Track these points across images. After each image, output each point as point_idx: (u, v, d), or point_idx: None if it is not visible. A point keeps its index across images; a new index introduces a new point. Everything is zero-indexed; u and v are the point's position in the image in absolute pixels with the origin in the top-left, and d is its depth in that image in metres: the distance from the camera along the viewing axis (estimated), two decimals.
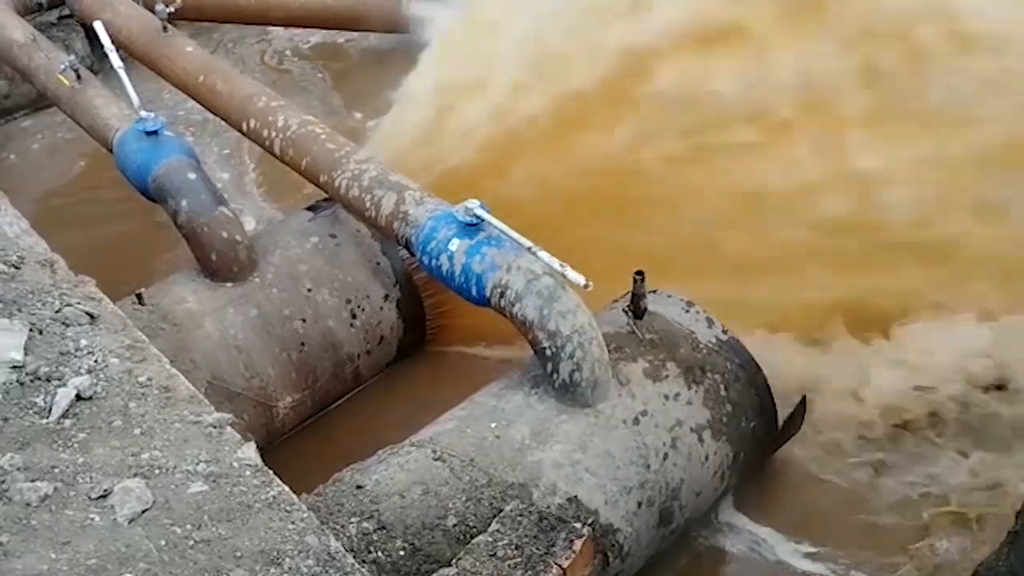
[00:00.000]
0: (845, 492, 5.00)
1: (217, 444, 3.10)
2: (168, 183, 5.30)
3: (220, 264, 5.30)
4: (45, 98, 8.09)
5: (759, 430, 4.71)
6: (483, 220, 4.41)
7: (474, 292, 4.46)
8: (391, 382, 5.88)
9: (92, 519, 2.66)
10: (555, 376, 4.30)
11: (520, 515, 3.57)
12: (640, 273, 4.52)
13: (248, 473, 3.01)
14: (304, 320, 5.42)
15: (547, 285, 4.29)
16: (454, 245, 4.47)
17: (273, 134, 5.34)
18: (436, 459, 4.14)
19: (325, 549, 2.77)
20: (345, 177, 4.98)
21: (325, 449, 5.34)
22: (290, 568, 2.66)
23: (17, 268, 3.63)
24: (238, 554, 2.68)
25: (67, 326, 3.42)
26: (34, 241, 3.99)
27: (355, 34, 8.94)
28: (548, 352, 4.28)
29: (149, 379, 3.26)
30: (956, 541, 4.76)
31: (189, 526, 2.72)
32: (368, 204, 4.87)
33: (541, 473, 4.12)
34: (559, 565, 3.36)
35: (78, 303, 3.56)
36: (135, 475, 2.84)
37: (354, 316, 5.59)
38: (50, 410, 2.96)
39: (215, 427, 3.18)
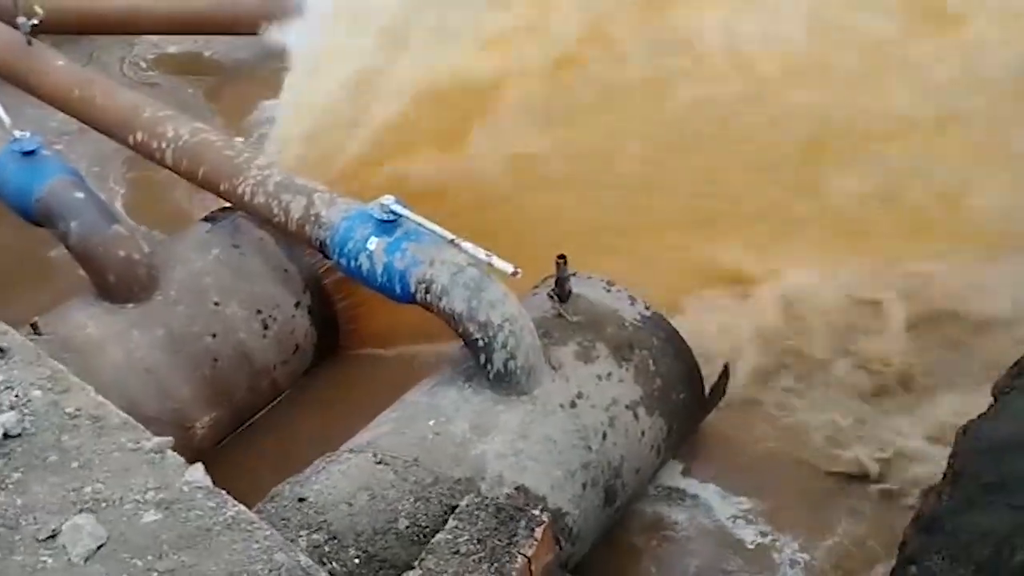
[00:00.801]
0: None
1: (161, 469, 2.94)
2: (55, 204, 4.99)
3: (119, 285, 5.04)
4: None
5: (689, 401, 4.80)
6: (400, 216, 4.33)
7: (398, 290, 4.37)
8: (309, 389, 5.73)
9: (45, 562, 2.48)
10: (489, 367, 4.27)
11: (477, 509, 3.52)
12: (562, 257, 4.53)
13: (200, 496, 2.87)
14: (214, 335, 5.21)
15: (473, 276, 4.25)
16: (372, 244, 4.37)
17: (164, 145, 5.10)
18: (378, 463, 4.04)
19: (296, 565, 2.67)
20: (248, 184, 4.81)
21: (250, 464, 5.15)
22: None
23: None
24: None
25: None
26: None
27: (220, 46, 8.68)
28: (480, 343, 4.24)
29: (78, 409, 3.07)
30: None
31: (150, 557, 2.57)
32: (276, 209, 4.71)
33: (486, 465, 4.09)
34: (523, 555, 3.33)
35: None
36: (81, 511, 2.66)
37: (266, 327, 5.41)
38: None
39: (156, 452, 3.01)
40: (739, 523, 4.90)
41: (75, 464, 2.83)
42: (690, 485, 5.03)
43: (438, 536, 3.45)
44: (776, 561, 4.73)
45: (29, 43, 5.78)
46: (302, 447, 5.25)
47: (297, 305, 5.54)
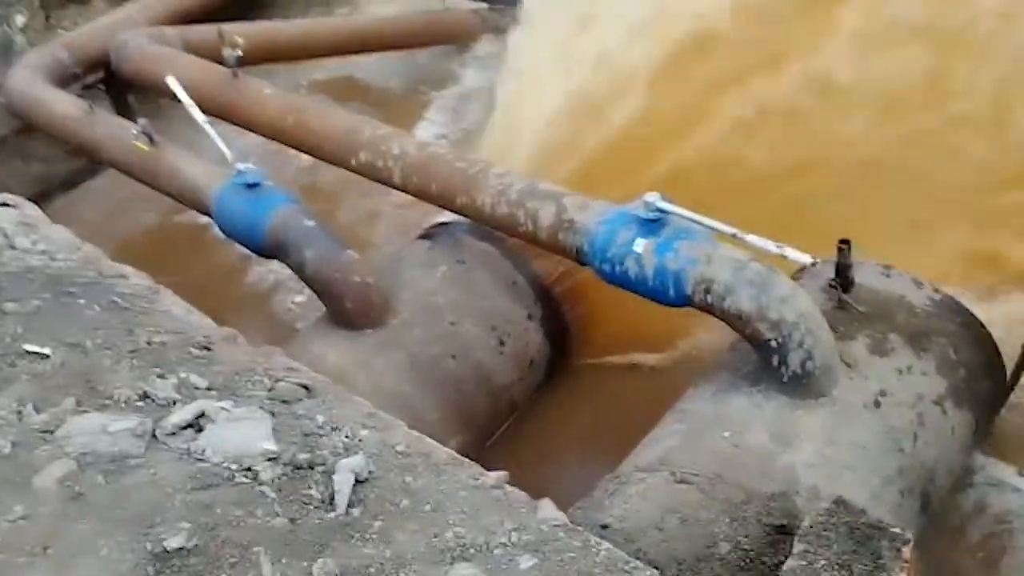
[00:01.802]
0: None
1: (510, 507, 2.67)
2: (286, 234, 4.86)
3: (356, 311, 4.87)
4: (84, 174, 7.82)
5: (992, 390, 4.32)
6: (667, 213, 4.00)
7: (672, 293, 4.04)
8: (545, 405, 5.46)
9: None
10: (783, 369, 3.89)
11: (825, 529, 3.14)
12: (846, 242, 4.11)
13: (563, 535, 2.59)
14: (454, 357, 4.99)
15: (758, 271, 3.88)
16: (640, 246, 4.05)
17: (391, 163, 4.91)
18: (678, 482, 3.72)
19: None
20: (488, 195, 4.56)
21: None
22: None
23: (209, 349, 3.18)
24: None
25: (288, 403, 2.99)
26: (199, 318, 3.55)
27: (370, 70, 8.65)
28: (774, 344, 3.86)
29: (407, 447, 2.84)
30: None
31: None
32: (522, 219, 4.45)
33: (797, 477, 3.71)
34: None
35: (287, 377, 3.13)
36: (454, 559, 2.41)
37: (502, 343, 5.17)
38: (332, 500, 2.52)
39: (497, 488, 2.75)
40: None
41: (427, 507, 2.59)
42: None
43: (789, 564, 3.07)
44: None
45: (235, 75, 5.71)
46: (547, 466, 5.01)
47: (529, 318, 5.29)
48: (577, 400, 5.47)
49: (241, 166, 5.01)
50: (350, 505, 2.51)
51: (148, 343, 3.14)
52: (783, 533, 3.56)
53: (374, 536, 2.46)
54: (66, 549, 2.35)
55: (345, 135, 5.13)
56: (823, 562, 3.03)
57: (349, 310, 4.88)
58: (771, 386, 3.97)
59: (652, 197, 4.01)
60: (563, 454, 5.11)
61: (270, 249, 4.98)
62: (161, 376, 2.89)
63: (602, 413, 5.34)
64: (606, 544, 2.58)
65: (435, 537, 2.49)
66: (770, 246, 3.76)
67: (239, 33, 5.75)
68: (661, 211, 4.00)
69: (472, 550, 2.46)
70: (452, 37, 8.84)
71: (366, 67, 8.88)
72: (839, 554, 3.05)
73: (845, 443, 3.82)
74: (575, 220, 4.30)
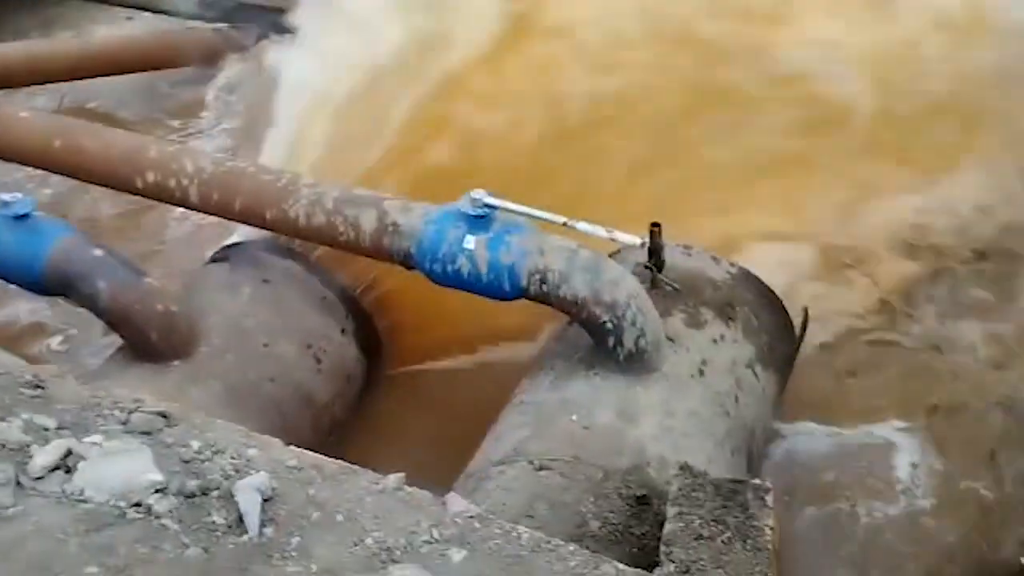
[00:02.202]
0: None
1: (420, 507, 2.62)
2: (71, 266, 4.41)
3: (162, 342, 4.52)
4: None
5: (788, 351, 4.75)
6: (495, 208, 4.07)
7: (507, 287, 4.11)
8: (368, 417, 5.33)
9: None
10: (619, 348, 4.07)
11: (693, 490, 3.32)
12: (657, 224, 4.37)
13: (479, 525, 2.57)
14: (272, 379, 4.75)
15: (588, 257, 4.05)
16: (471, 243, 4.09)
17: (185, 182, 4.59)
18: (539, 469, 3.79)
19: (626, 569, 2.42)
20: (301, 205, 4.40)
21: None
22: None
23: (42, 387, 2.84)
24: None
25: (151, 434, 2.74)
26: (10, 357, 3.17)
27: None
28: (609, 325, 4.04)
29: (298, 461, 2.70)
30: None
31: None
32: (342, 227, 4.33)
33: (645, 449, 3.90)
34: (768, 526, 3.16)
35: (139, 407, 2.86)
36: (384, 562, 2.32)
37: (319, 361, 4.99)
38: (240, 523, 2.33)
39: (399, 489, 2.69)
40: None
41: (340, 517, 2.47)
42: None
43: (668, 527, 3.21)
44: None
45: None
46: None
47: (343, 332, 5.15)
48: (403, 408, 5.40)
49: (7, 196, 4.50)
50: (262, 525, 2.33)
51: None
52: (643, 504, 3.73)
53: (294, 554, 2.30)
54: None
55: (127, 155, 4.73)
56: (698, 521, 3.21)
57: (154, 342, 4.51)
58: (607, 367, 4.14)
59: (478, 194, 4.07)
60: (399, 462, 5.01)
61: (52, 285, 4.50)
62: (2, 419, 2.54)
63: (430, 418, 5.30)
64: (521, 527, 2.58)
65: (356, 545, 2.38)
66: (600, 231, 3.93)
67: None
68: (489, 206, 4.07)
69: (398, 552, 2.37)
70: (193, 58, 8.38)
71: (100, 93, 8.27)
72: (711, 511, 3.23)
73: (681, 412, 4.06)
74: (399, 223, 4.25)
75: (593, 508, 3.62)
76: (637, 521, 3.65)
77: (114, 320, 4.49)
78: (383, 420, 5.37)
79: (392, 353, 5.54)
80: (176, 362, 4.57)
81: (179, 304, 4.63)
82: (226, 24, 8.81)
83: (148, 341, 4.51)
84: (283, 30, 7.95)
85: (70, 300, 4.56)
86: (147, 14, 9.03)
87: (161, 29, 8.74)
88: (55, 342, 6.20)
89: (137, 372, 4.52)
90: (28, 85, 7.11)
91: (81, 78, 7.33)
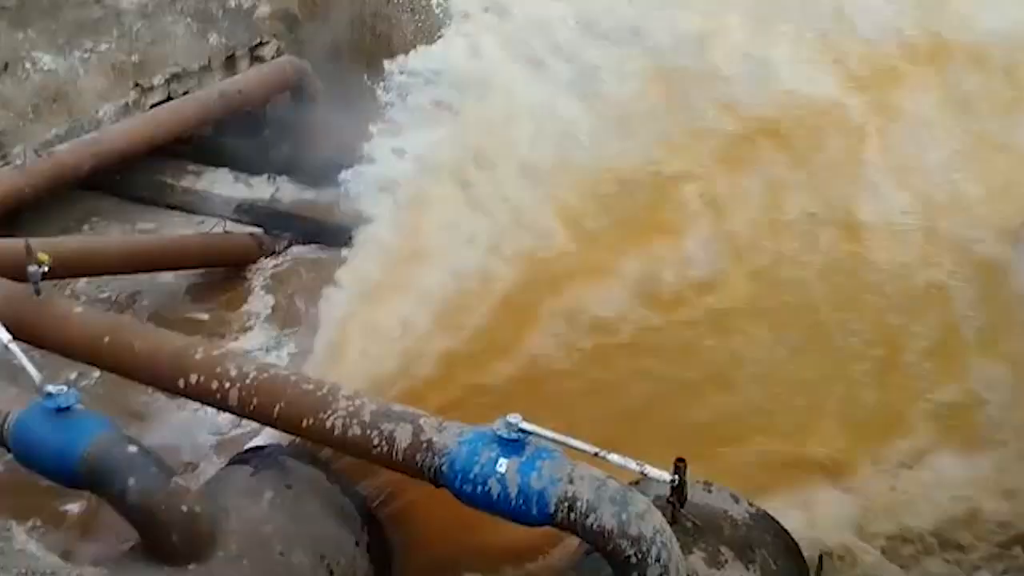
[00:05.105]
0: None
1: None
2: (105, 463, 4.47)
3: (181, 544, 4.52)
4: None
5: None
6: (529, 433, 4.21)
7: (534, 512, 4.17)
8: None
9: None
10: None
11: None
12: (682, 460, 4.49)
13: None
14: None
15: (617, 489, 4.14)
16: (503, 466, 4.19)
17: (227, 385, 4.75)
18: None
19: None
20: (339, 416, 4.53)
21: None
22: None
23: None
24: None
25: None
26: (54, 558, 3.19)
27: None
28: (633, 560, 4.06)
29: None
30: None
31: None
32: (377, 441, 4.45)
33: None
34: None
35: None
36: None
37: (331, 573, 4.96)
38: None
39: None
40: None
41: None
42: None
43: None
44: None
45: (37, 292, 5.32)
46: None
47: (357, 544, 5.14)
48: None
49: (52, 388, 4.63)
50: None
51: None
52: None
53: None
54: None
55: (173, 356, 4.92)
56: None
57: (174, 543, 4.51)
58: None
59: (514, 418, 4.21)
60: None
61: (85, 478, 4.55)
62: None
63: None
64: None
65: None
66: (631, 464, 4.05)
67: (45, 248, 5.42)
68: (523, 431, 4.20)
69: None
70: (230, 259, 8.89)
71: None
72: None
73: None
74: (434, 441, 4.37)
75: None
76: None
77: (139, 519, 4.50)
78: None
79: (405, 568, 5.51)
80: (191, 566, 4.55)
81: (202, 505, 4.65)
82: (260, 228, 9.40)
83: (167, 541, 4.51)
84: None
85: (97, 494, 4.57)
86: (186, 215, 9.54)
87: (200, 232, 9.22)
88: None
89: (151, 571, 4.49)
90: (78, 277, 7.47)
91: (127, 273, 7.69)
